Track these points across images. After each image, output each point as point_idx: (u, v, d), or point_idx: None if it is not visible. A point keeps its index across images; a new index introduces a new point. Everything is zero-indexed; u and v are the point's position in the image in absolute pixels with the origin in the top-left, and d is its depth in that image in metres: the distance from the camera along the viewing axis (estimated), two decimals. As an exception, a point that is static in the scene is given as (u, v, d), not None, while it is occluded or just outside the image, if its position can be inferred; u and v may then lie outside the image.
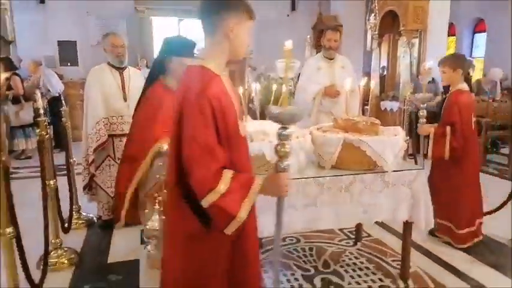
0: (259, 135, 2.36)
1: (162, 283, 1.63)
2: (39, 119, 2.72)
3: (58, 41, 9.72)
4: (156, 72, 2.67)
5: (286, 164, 1.43)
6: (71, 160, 3.54)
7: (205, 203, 1.33)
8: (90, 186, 3.53)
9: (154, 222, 2.50)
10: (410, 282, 2.65)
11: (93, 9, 9.86)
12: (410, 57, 6.43)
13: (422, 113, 3.12)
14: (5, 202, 1.95)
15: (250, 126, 2.49)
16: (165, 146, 2.32)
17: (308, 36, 9.09)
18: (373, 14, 6.66)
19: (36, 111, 2.55)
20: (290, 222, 2.29)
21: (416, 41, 6.36)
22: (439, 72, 3.20)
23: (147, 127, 2.53)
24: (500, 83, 7.22)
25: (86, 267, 2.89)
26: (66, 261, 2.89)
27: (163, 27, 10.39)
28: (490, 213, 3.41)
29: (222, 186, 1.31)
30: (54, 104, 6.48)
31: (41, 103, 2.68)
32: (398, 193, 2.45)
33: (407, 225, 2.58)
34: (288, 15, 11.15)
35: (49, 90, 6.67)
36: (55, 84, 6.81)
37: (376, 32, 6.93)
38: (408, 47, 6.32)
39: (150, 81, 2.68)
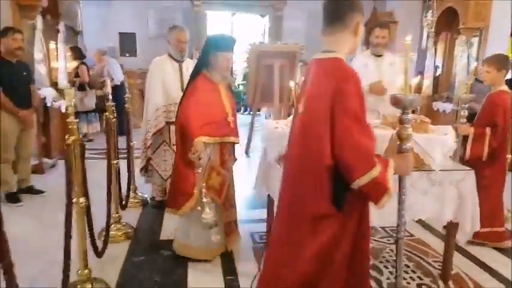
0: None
1: (276, 266, 1.69)
2: (108, 103, 3.02)
3: (119, 33, 10.37)
4: (200, 66, 2.82)
5: (408, 145, 1.63)
6: (131, 143, 3.84)
7: (367, 178, 1.43)
8: (147, 169, 3.82)
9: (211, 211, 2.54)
10: (450, 283, 2.65)
11: (152, 4, 10.39)
12: (468, 57, 6.18)
13: (463, 112, 3.10)
14: (80, 175, 2.21)
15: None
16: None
17: (360, 33, 8.96)
18: (430, 11, 6.45)
19: (104, 97, 2.81)
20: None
21: (475, 40, 6.10)
22: (483, 71, 3.15)
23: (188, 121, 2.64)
24: None
25: (141, 241, 3.16)
26: (123, 235, 3.19)
27: (217, 21, 10.71)
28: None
29: (378, 163, 1.46)
30: (115, 92, 6.96)
31: (109, 90, 2.95)
32: (444, 192, 2.45)
33: (452, 226, 2.58)
34: (340, 11, 11.04)
35: (112, 79, 7.15)
36: (118, 74, 7.29)
37: (433, 30, 6.71)
38: (466, 46, 6.07)
39: (195, 75, 2.81)
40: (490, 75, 3.11)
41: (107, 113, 3.04)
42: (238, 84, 10.52)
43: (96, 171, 3.16)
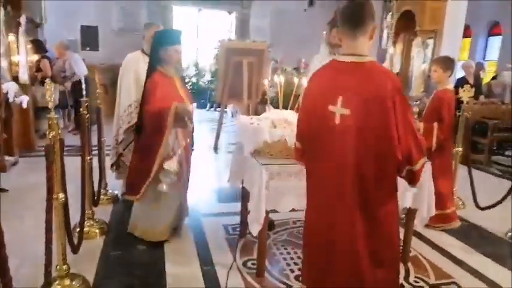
0: (281, 123, 2.61)
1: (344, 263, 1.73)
2: (82, 99, 3.02)
3: (81, 26, 10.06)
4: (154, 63, 2.97)
5: None
6: (103, 139, 3.82)
7: (421, 164, 1.66)
8: (118, 165, 3.82)
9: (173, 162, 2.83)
10: (409, 265, 2.90)
11: (116, -4, 10.15)
12: (424, 57, 6.58)
13: (415, 109, 3.42)
14: (60, 171, 2.23)
15: (273, 115, 2.75)
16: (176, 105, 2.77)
17: (324, 32, 9.24)
18: (390, 13, 6.80)
19: (79, 92, 2.77)
20: (303, 202, 2.55)
21: (430, 41, 6.51)
22: (432, 71, 3.50)
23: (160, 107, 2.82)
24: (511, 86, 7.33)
25: (115, 237, 3.18)
26: (97, 231, 3.20)
27: (184, 16, 10.64)
28: (488, 208, 3.65)
29: None
30: (79, 87, 6.79)
31: (83, 85, 2.95)
32: (403, 182, 2.66)
33: (411, 212, 2.83)
34: (305, 10, 11.31)
35: (74, 74, 6.96)
36: (81, 68, 7.10)
37: (392, 31, 7.08)
38: (422, 47, 6.47)
39: (150, 72, 2.98)
40: (437, 74, 3.49)
41: (82, 109, 3.03)
42: (208, 81, 10.47)
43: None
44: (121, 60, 3.90)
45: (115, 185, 4.02)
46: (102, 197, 3.84)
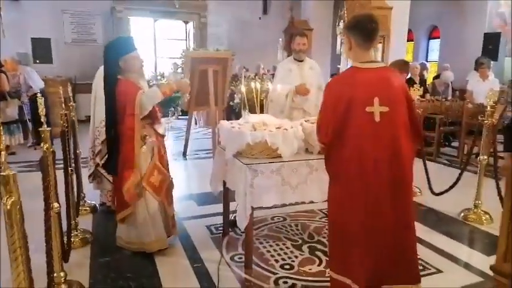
0: (260, 125, 2.84)
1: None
2: (61, 112, 3.07)
3: (32, 38, 9.72)
4: (113, 75, 2.88)
5: None
6: (78, 151, 3.84)
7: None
8: (95, 176, 3.86)
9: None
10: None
11: (68, 7, 9.93)
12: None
13: None
14: (53, 181, 2.30)
15: (252, 119, 2.97)
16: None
17: (280, 39, 9.66)
18: (342, 21, 7.28)
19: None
20: (285, 196, 2.80)
21: (380, 46, 7.06)
22: None
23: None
24: (452, 84, 8.09)
25: (101, 245, 3.24)
26: (82, 240, 3.25)
27: (140, 27, 10.62)
28: (441, 193, 4.10)
29: None
30: (34, 101, 6.61)
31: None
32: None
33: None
34: (260, 18, 11.70)
35: (31, 87, 6.77)
36: (37, 81, 6.92)
37: (345, 37, 7.58)
38: (373, 51, 6.99)
39: (111, 83, 2.88)
40: None
41: (61, 121, 3.08)
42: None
43: (30, 183, 2.73)
44: (77, 72, 3.95)
45: (93, 195, 4.05)
46: (80, 208, 3.86)
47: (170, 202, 3.23)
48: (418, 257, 3.02)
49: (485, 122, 3.77)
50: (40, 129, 2.18)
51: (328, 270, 2.32)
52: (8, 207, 1.28)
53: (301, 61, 4.20)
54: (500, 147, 5.60)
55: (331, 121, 2.06)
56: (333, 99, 2.09)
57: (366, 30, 2.04)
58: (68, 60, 9.92)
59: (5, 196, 1.27)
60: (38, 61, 9.86)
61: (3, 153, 1.40)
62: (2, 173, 1.30)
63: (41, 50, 9.95)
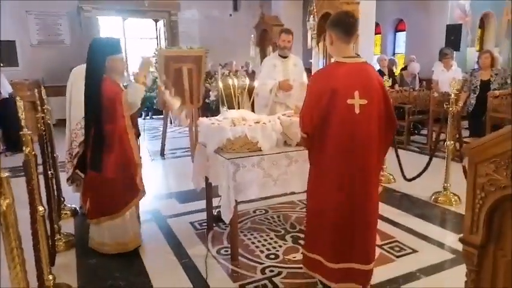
0: (240, 121, 2.92)
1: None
2: (38, 115, 3.04)
3: (-4, 41, 9.37)
4: (98, 72, 2.88)
5: None
6: (55, 155, 3.80)
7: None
8: (74, 179, 3.83)
9: None
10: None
11: (32, 8, 9.62)
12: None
13: None
14: (37, 185, 2.30)
15: (231, 114, 3.05)
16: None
17: (252, 36, 9.73)
18: (311, 16, 7.43)
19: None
20: (267, 188, 2.90)
21: (349, 39, 7.24)
22: None
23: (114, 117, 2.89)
24: (418, 74, 8.43)
25: (86, 248, 3.21)
26: (66, 244, 3.23)
27: (109, 26, 10.44)
28: (413, 179, 4.32)
29: None
30: (5, 105, 6.43)
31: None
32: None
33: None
34: (230, 15, 11.73)
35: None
36: (6, 86, 6.72)
37: (315, 32, 7.74)
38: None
39: (95, 80, 2.87)
40: None
41: (38, 125, 3.05)
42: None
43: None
44: (44, 75, 3.89)
45: (72, 199, 4.01)
46: (61, 212, 3.82)
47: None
48: (395, 239, 3.24)
49: (450, 109, 4.00)
50: (21, 132, 2.16)
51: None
52: (4, 208, 1.30)
53: (286, 57, 4.35)
54: (466, 133, 5.97)
55: (315, 112, 2.17)
56: (317, 91, 2.21)
57: (345, 25, 2.18)
58: (34, 63, 9.62)
59: (1, 198, 1.30)
60: (2, 64, 9.52)
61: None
62: (-4, 176, 1.32)
63: (5, 53, 9.60)
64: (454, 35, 9.60)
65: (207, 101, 7.67)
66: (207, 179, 3.31)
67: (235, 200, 2.79)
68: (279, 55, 4.35)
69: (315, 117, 2.19)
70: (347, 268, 2.27)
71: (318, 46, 8.16)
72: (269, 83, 4.22)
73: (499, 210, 1.48)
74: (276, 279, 2.69)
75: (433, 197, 4.15)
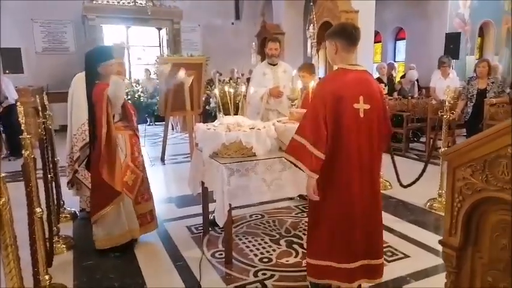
0: (235, 126, 2.99)
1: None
2: (39, 120, 3.13)
3: (1, 48, 9.53)
4: (92, 80, 3.11)
5: None
6: (56, 159, 3.88)
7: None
8: (74, 182, 3.91)
9: None
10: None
11: (38, 16, 9.82)
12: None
13: None
14: (35, 187, 2.37)
15: (226, 120, 3.12)
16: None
17: (253, 43, 9.86)
18: (311, 25, 7.54)
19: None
20: (262, 193, 2.96)
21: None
22: (300, 76, 3.92)
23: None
24: (417, 82, 8.49)
25: (83, 250, 3.28)
26: (64, 246, 3.30)
27: (113, 34, 10.60)
28: (409, 185, 4.36)
29: None
30: (9, 111, 6.56)
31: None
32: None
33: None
34: (232, 24, 11.89)
35: (6, 98, 6.69)
36: (12, 92, 6.85)
37: (315, 40, 7.84)
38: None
39: (89, 91, 3.09)
40: (305, 79, 3.87)
41: (39, 130, 3.14)
42: (146, 96, 10.30)
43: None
44: (49, 81, 4.00)
45: (72, 203, 4.09)
46: (60, 215, 3.89)
47: (147, 198, 3.40)
48: (388, 244, 3.27)
49: (444, 117, 4.05)
50: (20, 136, 2.24)
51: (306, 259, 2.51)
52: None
53: (275, 65, 4.42)
54: (463, 141, 6.00)
55: (329, 116, 2.19)
56: (327, 95, 2.23)
57: (350, 35, 2.30)
58: (39, 70, 9.80)
59: (-4, 197, 1.37)
60: (7, 71, 9.70)
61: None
62: (-9, 176, 1.40)
63: (11, 60, 9.78)
64: (453, 44, 9.66)
65: (207, 107, 7.76)
66: (203, 183, 3.37)
67: (230, 205, 2.85)
68: (268, 63, 4.42)
69: (328, 123, 2.20)
70: (362, 265, 2.38)
71: (318, 54, 8.27)
72: (260, 91, 4.26)
73: (476, 214, 1.53)
74: (268, 282, 2.73)
75: (428, 204, 4.18)
